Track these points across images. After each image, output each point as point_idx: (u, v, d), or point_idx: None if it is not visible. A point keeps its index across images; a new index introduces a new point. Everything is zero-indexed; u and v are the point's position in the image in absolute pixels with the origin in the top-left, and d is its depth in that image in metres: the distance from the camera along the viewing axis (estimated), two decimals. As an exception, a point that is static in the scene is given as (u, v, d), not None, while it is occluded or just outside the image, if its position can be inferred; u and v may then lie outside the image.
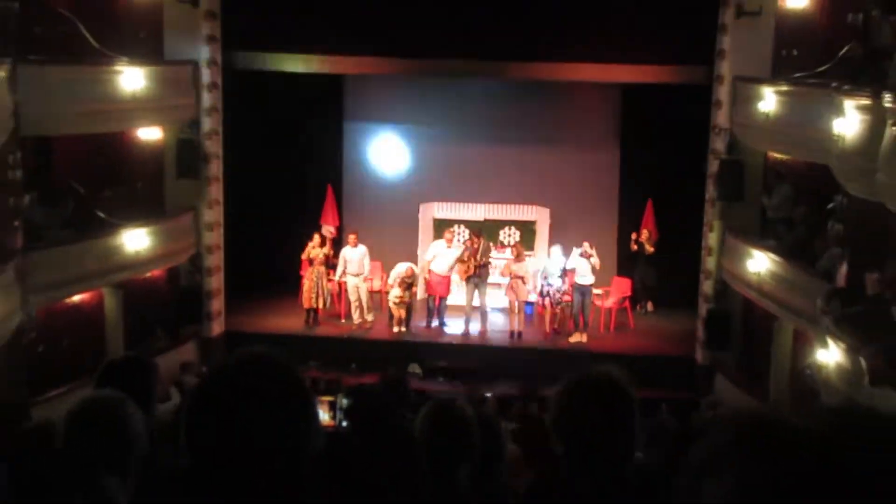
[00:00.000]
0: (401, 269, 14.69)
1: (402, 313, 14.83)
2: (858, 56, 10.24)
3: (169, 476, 2.74)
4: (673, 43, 14.07)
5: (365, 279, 15.00)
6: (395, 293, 14.70)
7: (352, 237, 14.95)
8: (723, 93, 13.91)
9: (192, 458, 1.51)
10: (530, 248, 15.85)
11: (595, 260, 14.43)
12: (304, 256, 14.88)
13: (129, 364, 3.71)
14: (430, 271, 15.03)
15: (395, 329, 14.89)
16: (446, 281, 15.00)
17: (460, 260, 14.76)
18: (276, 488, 1.48)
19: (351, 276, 14.85)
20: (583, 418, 2.66)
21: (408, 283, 14.69)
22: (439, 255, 14.90)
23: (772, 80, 12.98)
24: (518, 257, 14.90)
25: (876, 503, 0.69)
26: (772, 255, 12.49)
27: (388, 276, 15.16)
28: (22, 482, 2.83)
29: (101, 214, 12.91)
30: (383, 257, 15.60)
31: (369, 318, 15.07)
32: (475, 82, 16.20)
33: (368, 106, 17.08)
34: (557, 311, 14.87)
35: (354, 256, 14.80)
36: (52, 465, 2.80)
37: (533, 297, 15.22)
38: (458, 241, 15.30)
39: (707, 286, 14.45)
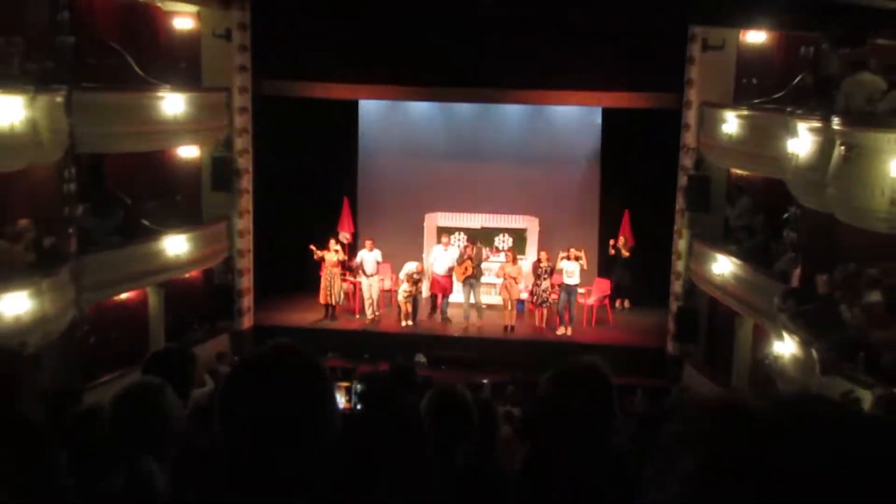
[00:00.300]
0: (410, 266, 14.76)
1: (409, 307, 14.85)
2: (810, 84, 10.24)
3: (203, 455, 2.74)
4: (647, 73, 14.07)
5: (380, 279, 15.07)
6: (404, 288, 14.72)
7: (368, 242, 15.00)
8: (691, 116, 13.91)
9: (224, 437, 1.51)
10: (522, 252, 15.84)
11: (583, 262, 14.49)
12: (315, 258, 14.87)
13: (171, 354, 3.72)
14: (432, 272, 15.07)
15: (404, 323, 14.89)
16: (447, 280, 15.02)
17: (458, 262, 14.80)
18: (299, 465, 1.48)
19: (365, 276, 14.89)
20: (569, 401, 2.65)
21: (415, 279, 14.74)
22: (438, 258, 14.96)
23: (734, 105, 12.98)
24: (512, 261, 14.91)
25: (824, 479, 0.69)
26: (734, 259, 12.48)
27: (397, 276, 15.20)
28: (73, 462, 2.82)
29: (146, 222, 12.91)
30: (392, 260, 15.60)
31: (378, 312, 15.10)
32: (473, 107, 16.22)
33: (379, 127, 17.07)
34: (544, 309, 14.87)
35: (370, 259, 14.86)
36: (99, 446, 2.79)
37: (524, 296, 15.23)
38: (456, 245, 15.39)
39: (677, 286, 14.44)
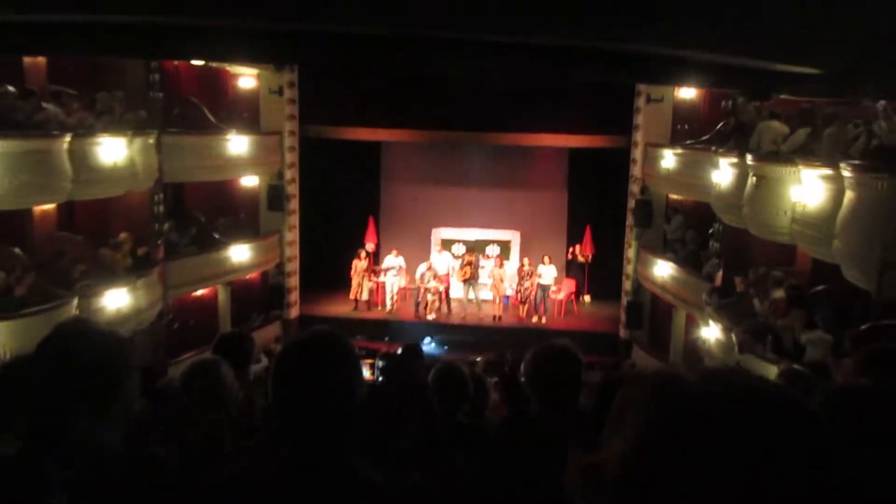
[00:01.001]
0: (423, 267, 14.72)
1: (432, 302, 14.74)
2: (730, 129, 10.25)
3: (261, 417, 2.73)
4: (603, 120, 14.09)
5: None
6: (432, 285, 14.59)
7: (395, 251, 15.03)
8: (637, 153, 13.91)
9: (276, 401, 1.51)
10: (507, 258, 15.82)
11: (553, 267, 14.49)
12: (352, 273, 14.84)
13: (235, 337, 3.70)
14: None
15: (425, 313, 14.65)
16: (446, 278, 15.00)
17: (460, 267, 14.78)
18: (334, 423, 1.48)
19: (391, 276, 14.88)
20: (546, 373, 2.65)
21: (430, 277, 14.69)
22: (436, 261, 14.95)
23: (671, 145, 12.99)
24: (499, 265, 14.90)
25: (738, 431, 0.69)
26: (671, 264, 12.47)
27: (412, 276, 15.14)
28: (159, 422, 2.82)
29: (216, 235, 12.93)
30: (407, 264, 15.57)
31: (396, 305, 15.06)
32: (470, 146, 16.22)
33: (397, 161, 17.06)
34: (526, 303, 14.83)
35: (394, 263, 14.87)
36: (174, 409, 2.79)
37: (510, 292, 15.19)
38: (452, 253, 15.41)
39: (627, 285, 14.41)
